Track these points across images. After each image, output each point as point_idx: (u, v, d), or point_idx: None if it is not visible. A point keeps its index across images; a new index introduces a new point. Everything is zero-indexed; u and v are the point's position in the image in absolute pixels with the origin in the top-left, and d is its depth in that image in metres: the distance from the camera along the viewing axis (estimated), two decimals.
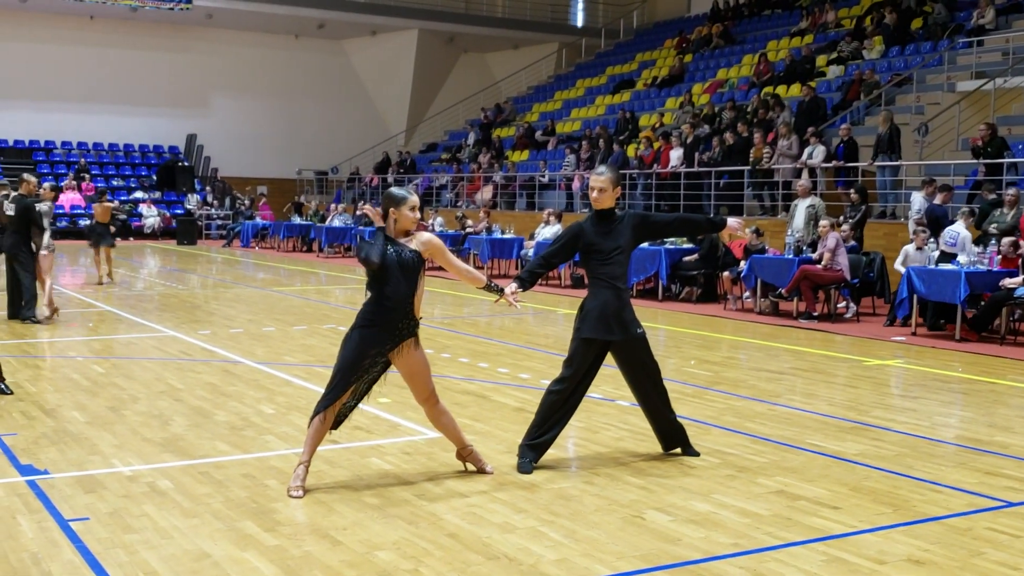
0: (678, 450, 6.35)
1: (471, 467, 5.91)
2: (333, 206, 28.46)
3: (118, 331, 11.83)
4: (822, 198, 16.19)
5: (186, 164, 33.92)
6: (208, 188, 33.55)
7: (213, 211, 32.62)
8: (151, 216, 31.20)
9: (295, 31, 35.15)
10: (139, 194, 32.23)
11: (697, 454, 6.30)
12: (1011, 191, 13.40)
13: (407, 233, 5.60)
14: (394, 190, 5.62)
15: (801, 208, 14.91)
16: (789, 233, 14.69)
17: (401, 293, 5.48)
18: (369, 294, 5.59)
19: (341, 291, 17.22)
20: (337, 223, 26.02)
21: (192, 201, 32.35)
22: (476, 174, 27.59)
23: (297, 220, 28.11)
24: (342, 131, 35.93)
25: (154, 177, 33.42)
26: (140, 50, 33.29)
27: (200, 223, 31.30)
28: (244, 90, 35.07)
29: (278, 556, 4.52)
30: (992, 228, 13.00)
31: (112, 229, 17.48)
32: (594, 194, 5.99)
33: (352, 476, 5.79)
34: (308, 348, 10.58)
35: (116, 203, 19.68)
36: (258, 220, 29.84)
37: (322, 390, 8.34)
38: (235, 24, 33.81)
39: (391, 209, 5.54)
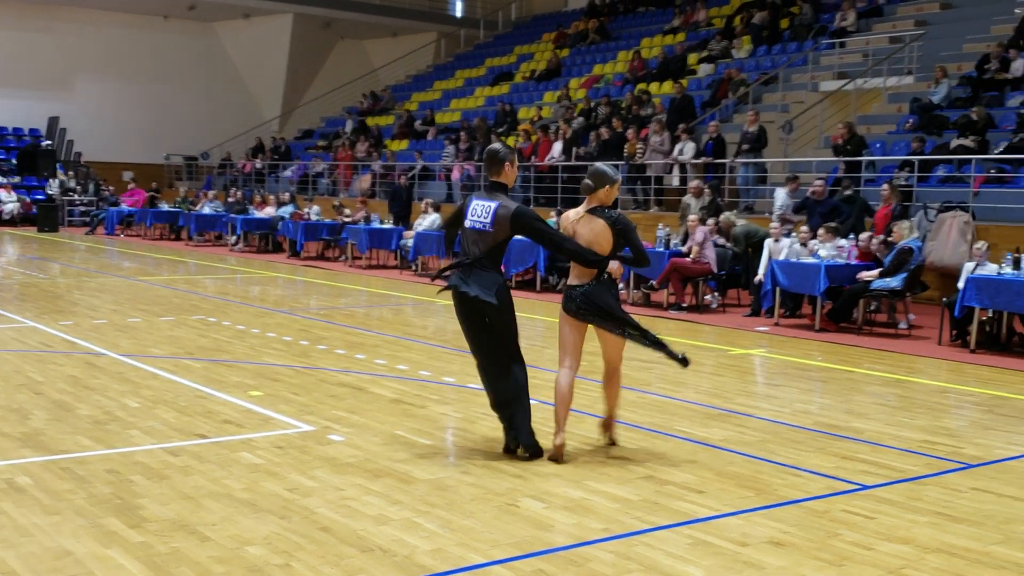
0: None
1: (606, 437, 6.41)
2: (203, 192, 27.72)
3: None
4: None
5: (48, 148, 32.51)
6: (71, 173, 32.24)
7: (76, 197, 31.38)
8: (10, 202, 29.79)
9: (164, 12, 34.04)
10: None
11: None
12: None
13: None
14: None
15: (696, 207, 15.25)
16: (658, 227, 15.02)
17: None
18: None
19: (211, 281, 16.82)
20: (207, 210, 25.36)
21: (54, 186, 31.02)
22: (352, 162, 27.30)
23: (165, 207, 27.28)
24: (213, 116, 35.00)
25: (13, 161, 31.87)
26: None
27: (62, 209, 30.06)
28: (110, 72, 33.78)
29: (144, 553, 4.41)
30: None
31: None
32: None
33: (222, 471, 5.69)
34: (175, 340, 10.32)
35: None
36: (123, 206, 28.82)
37: (189, 383, 8.20)
38: (100, 3, 32.50)
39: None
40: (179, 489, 5.31)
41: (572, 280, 6.18)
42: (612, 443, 6.43)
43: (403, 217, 20.41)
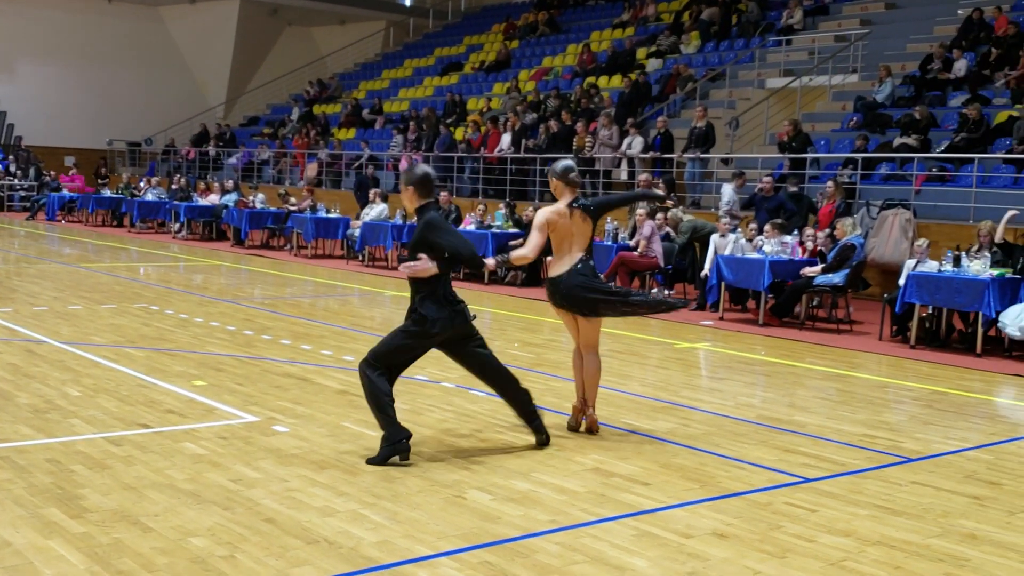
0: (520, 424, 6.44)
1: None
2: (146, 179, 27.27)
3: None
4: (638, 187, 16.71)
5: None
6: (11, 157, 31.53)
7: (16, 182, 30.69)
8: None
9: None
10: None
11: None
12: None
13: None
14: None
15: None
16: (606, 221, 15.09)
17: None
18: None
19: (154, 268, 16.57)
20: (150, 197, 24.96)
21: None
22: (300, 150, 27.03)
23: (107, 192, 26.78)
24: (157, 101, 34.41)
25: None
26: None
27: (2, 194, 29.38)
28: (52, 55, 33.04)
29: (85, 543, 4.34)
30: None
31: None
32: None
33: (165, 461, 5.61)
34: (117, 328, 10.15)
35: None
36: (64, 192, 28.26)
37: (131, 371, 8.07)
38: None
39: None
40: (121, 479, 5.23)
41: (552, 272, 6.53)
42: (591, 430, 6.59)
43: None
